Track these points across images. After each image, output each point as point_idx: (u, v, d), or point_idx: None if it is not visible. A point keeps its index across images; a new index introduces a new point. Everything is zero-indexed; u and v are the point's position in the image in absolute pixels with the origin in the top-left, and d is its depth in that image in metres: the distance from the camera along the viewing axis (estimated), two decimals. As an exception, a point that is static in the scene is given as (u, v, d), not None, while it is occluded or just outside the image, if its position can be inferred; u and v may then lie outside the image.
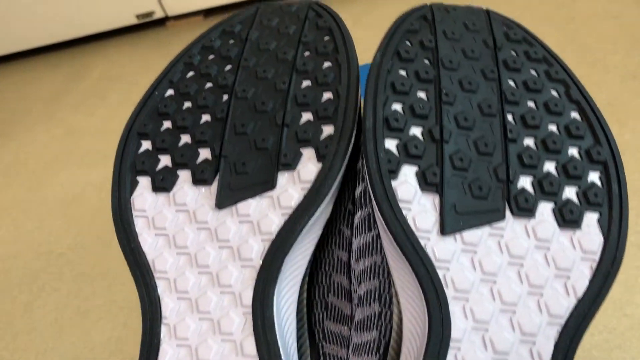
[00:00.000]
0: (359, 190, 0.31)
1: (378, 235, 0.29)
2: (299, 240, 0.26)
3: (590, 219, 0.26)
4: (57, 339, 0.53)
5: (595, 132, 0.28)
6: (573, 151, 0.28)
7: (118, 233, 0.28)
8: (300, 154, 0.28)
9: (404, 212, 0.26)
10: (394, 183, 0.26)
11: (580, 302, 0.25)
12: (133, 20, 0.95)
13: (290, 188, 0.27)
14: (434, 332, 0.24)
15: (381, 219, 0.26)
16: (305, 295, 0.28)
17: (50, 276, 0.60)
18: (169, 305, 0.26)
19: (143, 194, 0.29)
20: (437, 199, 0.26)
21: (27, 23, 0.94)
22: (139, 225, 0.28)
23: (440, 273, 0.25)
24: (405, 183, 0.26)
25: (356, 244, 0.30)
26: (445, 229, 0.25)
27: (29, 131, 0.84)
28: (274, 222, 0.26)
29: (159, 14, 0.94)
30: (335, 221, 0.32)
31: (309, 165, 0.27)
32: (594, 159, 0.27)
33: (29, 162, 0.78)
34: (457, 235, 0.26)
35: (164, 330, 0.26)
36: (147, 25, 0.99)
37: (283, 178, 0.27)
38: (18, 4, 0.91)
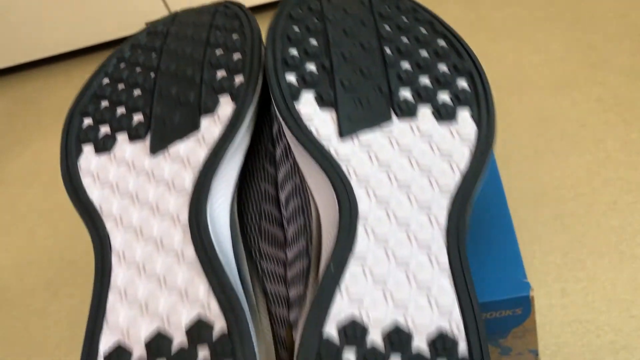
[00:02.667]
0: (275, 129, 0.36)
1: (295, 162, 0.33)
2: (223, 165, 0.31)
3: (464, 113, 0.32)
4: (72, 345, 0.53)
5: (459, 52, 0.34)
6: (443, 67, 0.34)
7: (68, 192, 0.32)
8: (219, 101, 0.33)
9: (307, 124, 0.31)
10: (296, 104, 0.31)
11: (465, 177, 0.30)
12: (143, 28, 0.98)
13: (212, 126, 0.32)
14: (344, 211, 0.28)
15: (289, 132, 0.30)
16: (236, 214, 0.32)
17: (64, 282, 0.60)
18: (117, 238, 0.30)
19: (88, 157, 0.33)
20: (333, 113, 0.31)
21: (38, 33, 0.95)
22: (86, 182, 0.32)
23: (343, 166, 0.29)
24: (306, 104, 0.31)
25: (279, 176, 0.35)
26: (342, 133, 0.30)
27: (43, 140, 0.85)
28: (201, 155, 0.31)
29: (167, 21, 0.98)
30: (259, 159, 0.37)
31: (225, 107, 0.32)
32: (460, 71, 0.33)
33: (43, 171, 0.78)
34: (354, 137, 0.30)
35: (114, 259, 0.29)
36: (157, 32, 1.02)
37: (206, 120, 0.32)
38: (28, 14, 0.92)
